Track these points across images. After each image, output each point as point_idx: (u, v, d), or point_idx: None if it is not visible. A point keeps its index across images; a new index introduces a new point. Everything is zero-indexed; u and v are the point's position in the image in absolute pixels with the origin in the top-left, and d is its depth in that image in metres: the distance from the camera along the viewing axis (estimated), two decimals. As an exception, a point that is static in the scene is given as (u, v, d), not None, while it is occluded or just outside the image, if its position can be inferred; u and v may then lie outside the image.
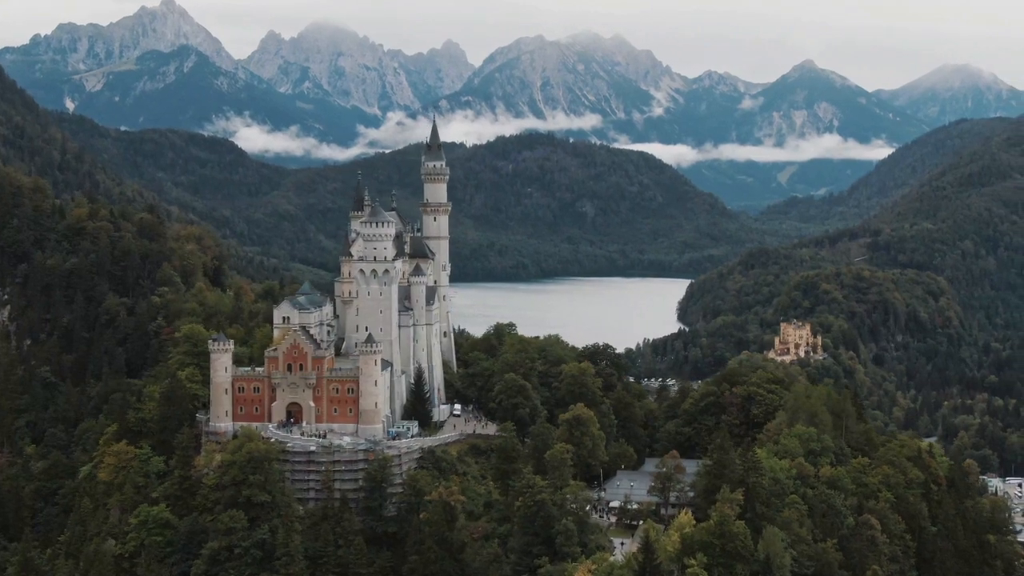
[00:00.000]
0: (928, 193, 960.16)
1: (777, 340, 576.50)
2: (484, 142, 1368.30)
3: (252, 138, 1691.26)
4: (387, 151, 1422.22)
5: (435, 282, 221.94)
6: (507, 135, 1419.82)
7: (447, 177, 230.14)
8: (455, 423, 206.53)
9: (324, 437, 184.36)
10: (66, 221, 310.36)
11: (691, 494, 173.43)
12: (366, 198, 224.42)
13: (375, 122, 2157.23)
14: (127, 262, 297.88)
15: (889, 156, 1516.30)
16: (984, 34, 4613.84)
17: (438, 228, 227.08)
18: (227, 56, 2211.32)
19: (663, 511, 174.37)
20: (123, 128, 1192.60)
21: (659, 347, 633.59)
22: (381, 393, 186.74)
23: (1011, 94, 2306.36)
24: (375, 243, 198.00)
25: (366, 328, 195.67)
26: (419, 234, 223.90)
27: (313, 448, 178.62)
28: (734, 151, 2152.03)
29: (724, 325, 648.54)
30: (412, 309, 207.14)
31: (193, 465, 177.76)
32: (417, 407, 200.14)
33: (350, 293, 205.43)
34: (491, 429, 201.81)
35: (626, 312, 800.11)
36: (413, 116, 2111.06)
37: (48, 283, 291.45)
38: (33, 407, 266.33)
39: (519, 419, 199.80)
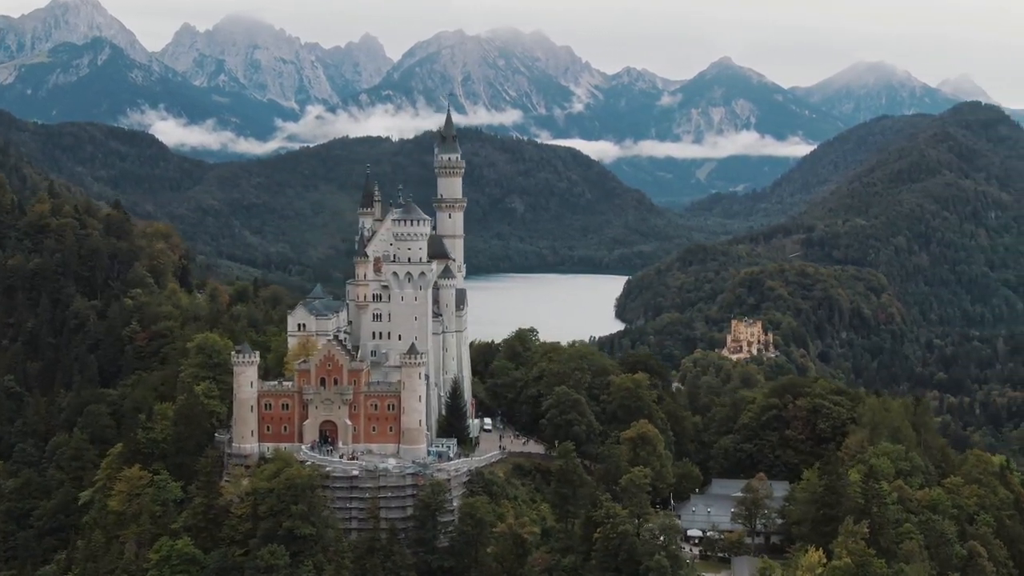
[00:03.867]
0: (859, 189, 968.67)
1: (729, 338, 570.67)
2: (408, 136, 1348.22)
3: (168, 131, 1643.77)
4: (311, 145, 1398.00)
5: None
6: (431, 130, 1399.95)
7: (463, 170, 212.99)
8: (490, 439, 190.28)
9: (355, 458, 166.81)
10: (27, 218, 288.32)
11: (779, 521, 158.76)
12: (376, 194, 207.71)
13: (293, 116, 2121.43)
14: (95, 262, 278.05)
15: (811, 153, 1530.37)
16: (897, 32, 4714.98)
17: (453, 226, 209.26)
18: (141, 49, 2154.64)
19: (750, 541, 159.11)
20: (37, 121, 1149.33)
21: (605, 345, 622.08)
22: (425, 409, 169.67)
23: (924, 91, 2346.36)
24: (409, 243, 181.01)
25: (399, 336, 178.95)
26: (433, 232, 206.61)
27: (356, 473, 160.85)
28: (654, 148, 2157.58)
29: (671, 323, 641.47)
30: (442, 315, 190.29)
31: (219, 492, 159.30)
32: (453, 423, 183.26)
33: (365, 297, 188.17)
34: (531, 446, 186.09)
35: (563, 309, 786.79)
36: (332, 110, 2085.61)
37: (10, 284, 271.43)
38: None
39: (574, 437, 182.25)
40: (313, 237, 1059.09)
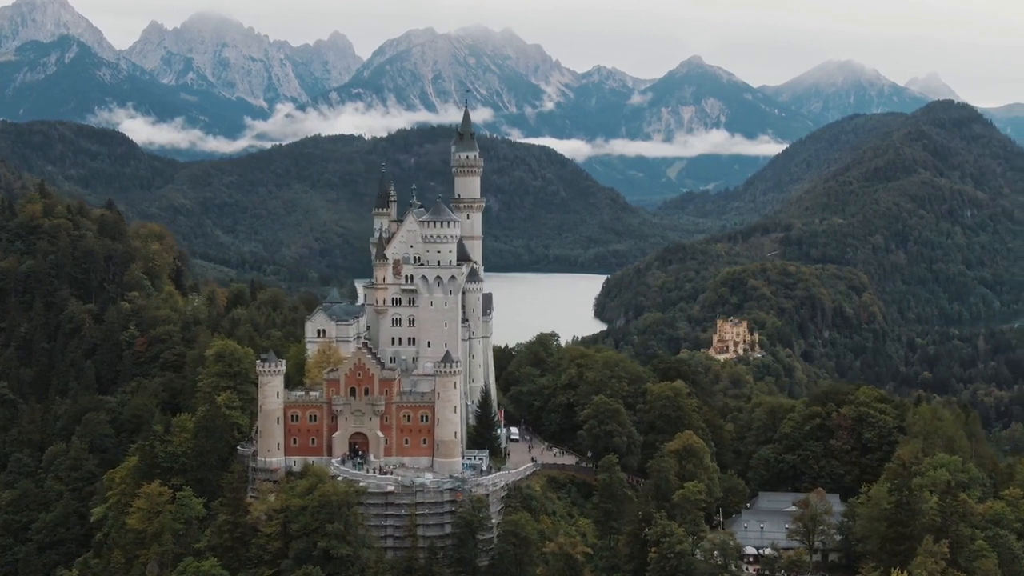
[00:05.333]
0: (835, 188, 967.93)
1: (715, 338, 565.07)
2: (381, 135, 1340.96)
3: (136, 130, 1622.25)
4: (283, 143, 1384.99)
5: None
6: (404, 128, 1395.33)
7: (481, 169, 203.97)
8: (519, 450, 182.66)
9: (385, 473, 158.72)
10: (18, 219, 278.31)
11: (837, 538, 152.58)
12: (391, 193, 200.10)
13: (262, 114, 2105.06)
14: (89, 264, 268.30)
15: (783, 151, 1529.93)
16: (865, 32, 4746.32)
17: (471, 226, 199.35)
18: (109, 46, 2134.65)
19: (808, 559, 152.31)
20: (6, 120, 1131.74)
21: (589, 345, 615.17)
22: (459, 421, 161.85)
23: (893, 90, 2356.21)
24: (439, 245, 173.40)
25: (428, 343, 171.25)
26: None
27: (391, 488, 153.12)
28: (624, 146, 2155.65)
29: (653, 323, 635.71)
30: (468, 320, 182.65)
31: (245, 509, 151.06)
32: (483, 433, 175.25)
33: (385, 301, 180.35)
34: (562, 457, 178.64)
35: (541, 308, 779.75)
36: (302, 108, 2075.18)
37: (2, 287, 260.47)
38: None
39: (615, 448, 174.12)
40: (286, 236, 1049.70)
